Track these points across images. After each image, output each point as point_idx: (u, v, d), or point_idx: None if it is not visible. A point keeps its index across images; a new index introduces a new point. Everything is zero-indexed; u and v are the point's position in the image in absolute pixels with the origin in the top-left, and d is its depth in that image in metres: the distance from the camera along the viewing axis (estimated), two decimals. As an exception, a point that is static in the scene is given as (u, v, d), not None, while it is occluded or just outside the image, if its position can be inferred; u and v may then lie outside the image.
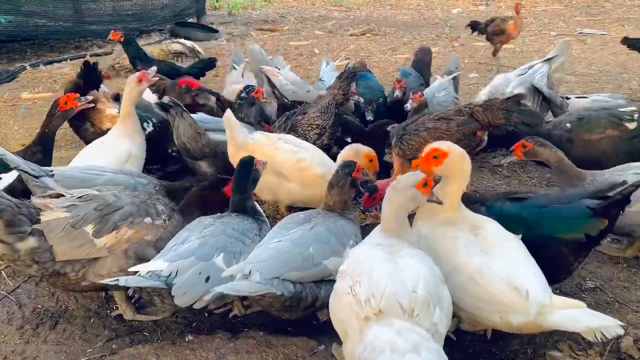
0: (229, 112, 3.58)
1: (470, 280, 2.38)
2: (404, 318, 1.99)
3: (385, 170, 4.53)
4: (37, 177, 3.03)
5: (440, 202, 2.52)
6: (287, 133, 4.09)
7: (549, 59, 5.02)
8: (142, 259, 2.76)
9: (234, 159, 3.60)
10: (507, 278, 2.30)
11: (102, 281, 2.62)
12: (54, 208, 2.66)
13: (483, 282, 2.33)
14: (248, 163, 3.12)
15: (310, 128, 4.16)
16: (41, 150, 3.81)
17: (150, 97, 5.54)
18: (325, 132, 4.21)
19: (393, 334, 1.93)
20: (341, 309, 2.17)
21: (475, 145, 3.74)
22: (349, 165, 3.05)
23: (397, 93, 5.02)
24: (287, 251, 2.58)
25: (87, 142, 4.35)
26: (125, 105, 3.87)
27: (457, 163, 2.72)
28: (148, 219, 2.84)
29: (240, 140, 3.59)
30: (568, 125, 4.03)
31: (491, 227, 2.59)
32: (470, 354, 2.72)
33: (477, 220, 2.64)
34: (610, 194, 2.65)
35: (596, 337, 2.12)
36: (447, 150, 2.73)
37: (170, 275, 2.53)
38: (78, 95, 4.04)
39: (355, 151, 3.59)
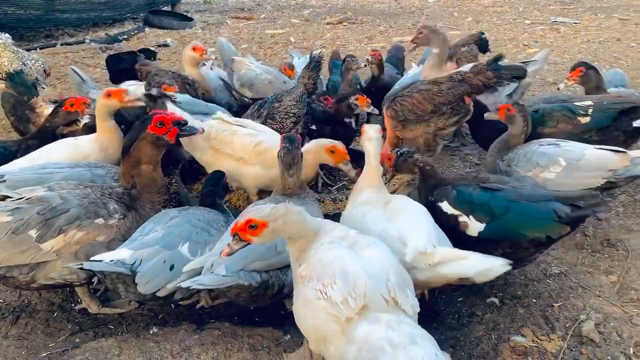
0: (170, 104, 3.51)
1: None
2: (388, 309, 1.98)
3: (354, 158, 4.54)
4: None
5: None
6: (264, 121, 4.05)
7: (525, 63, 5.01)
8: None
9: (189, 146, 3.56)
10: (399, 236, 2.57)
11: (67, 265, 2.58)
12: None
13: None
14: (217, 176, 3.28)
15: (287, 116, 4.12)
16: (37, 144, 3.72)
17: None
18: (300, 121, 4.19)
19: (385, 329, 1.91)
20: (314, 315, 2.09)
21: (463, 114, 3.77)
22: (294, 140, 3.00)
23: (369, 58, 5.05)
24: None
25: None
26: (99, 120, 3.67)
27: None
28: (100, 220, 2.71)
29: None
30: None
31: (397, 200, 2.91)
32: (435, 341, 2.73)
33: (389, 197, 2.94)
34: (582, 204, 2.68)
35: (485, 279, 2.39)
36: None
37: (134, 263, 2.51)
38: (88, 101, 3.98)
39: (318, 146, 3.55)
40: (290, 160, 2.95)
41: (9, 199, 2.65)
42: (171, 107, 3.55)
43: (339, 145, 3.54)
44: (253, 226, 2.19)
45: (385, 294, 2.01)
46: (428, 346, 1.91)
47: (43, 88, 5.20)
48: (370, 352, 1.89)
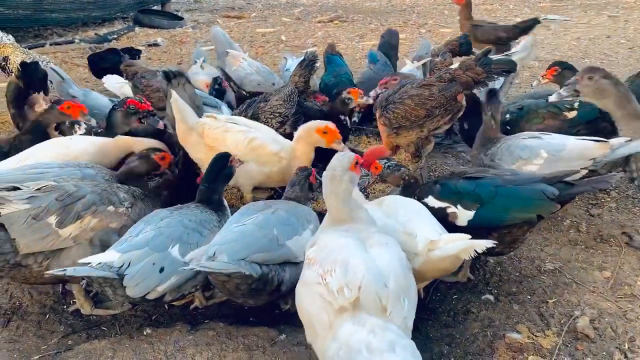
0: (175, 94, 3.48)
1: None
2: (377, 314, 1.95)
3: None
4: None
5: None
6: None
7: (507, 54, 4.99)
8: (108, 247, 2.68)
9: (185, 141, 3.56)
10: (404, 229, 2.63)
11: (48, 272, 2.54)
12: (13, 200, 2.56)
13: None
14: (222, 158, 3.12)
15: (272, 116, 4.10)
16: (31, 139, 3.70)
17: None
18: (287, 121, 4.16)
19: (367, 332, 1.89)
20: (310, 299, 2.10)
21: (456, 111, 3.74)
22: (305, 170, 3.20)
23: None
24: (251, 233, 2.57)
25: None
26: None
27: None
28: (111, 207, 2.80)
29: (191, 122, 3.51)
30: (507, 116, 4.02)
31: (390, 198, 2.99)
32: (431, 339, 2.73)
33: (381, 199, 3.03)
34: (572, 180, 2.75)
35: (470, 255, 2.40)
36: None
37: (122, 266, 2.48)
38: (87, 110, 3.94)
39: (307, 130, 3.54)
40: (295, 181, 3.18)
41: (19, 190, 2.64)
42: (175, 98, 3.50)
43: (330, 125, 3.55)
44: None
45: (380, 294, 1.98)
46: (406, 357, 1.86)
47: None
48: (347, 352, 1.88)
